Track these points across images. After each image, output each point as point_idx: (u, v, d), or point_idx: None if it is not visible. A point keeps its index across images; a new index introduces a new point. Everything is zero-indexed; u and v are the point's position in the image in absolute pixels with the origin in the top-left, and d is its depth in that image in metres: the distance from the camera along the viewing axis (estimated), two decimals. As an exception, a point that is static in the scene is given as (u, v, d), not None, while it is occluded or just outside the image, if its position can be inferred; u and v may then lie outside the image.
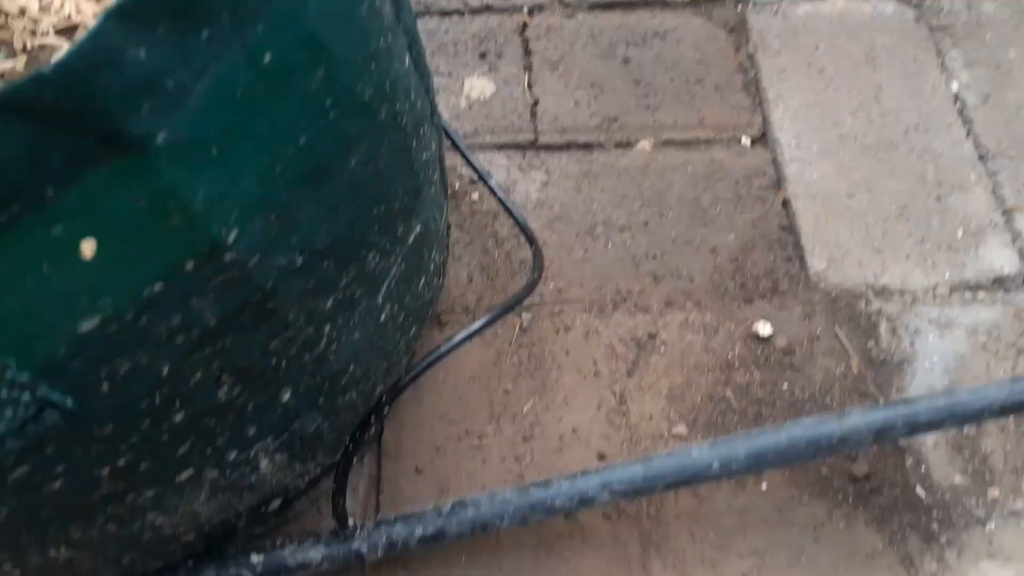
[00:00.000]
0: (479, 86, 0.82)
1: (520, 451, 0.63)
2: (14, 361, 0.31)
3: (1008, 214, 0.79)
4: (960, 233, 0.78)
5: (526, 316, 0.69)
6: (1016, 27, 0.94)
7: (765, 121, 0.84)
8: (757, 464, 0.58)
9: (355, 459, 0.53)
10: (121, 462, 0.39)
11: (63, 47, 0.43)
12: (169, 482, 0.43)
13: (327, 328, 0.47)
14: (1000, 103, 0.87)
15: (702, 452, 0.58)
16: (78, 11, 0.44)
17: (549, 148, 0.79)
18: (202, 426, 0.42)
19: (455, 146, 0.71)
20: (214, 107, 0.33)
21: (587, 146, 0.80)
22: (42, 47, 0.43)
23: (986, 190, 0.81)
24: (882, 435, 0.59)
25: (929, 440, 0.66)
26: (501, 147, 0.79)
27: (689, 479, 0.57)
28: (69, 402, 0.34)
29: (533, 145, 0.80)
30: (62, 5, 0.44)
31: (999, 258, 0.76)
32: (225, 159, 0.34)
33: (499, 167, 0.77)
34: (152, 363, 0.37)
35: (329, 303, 0.46)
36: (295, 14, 0.36)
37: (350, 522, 0.55)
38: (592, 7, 0.90)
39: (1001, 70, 0.90)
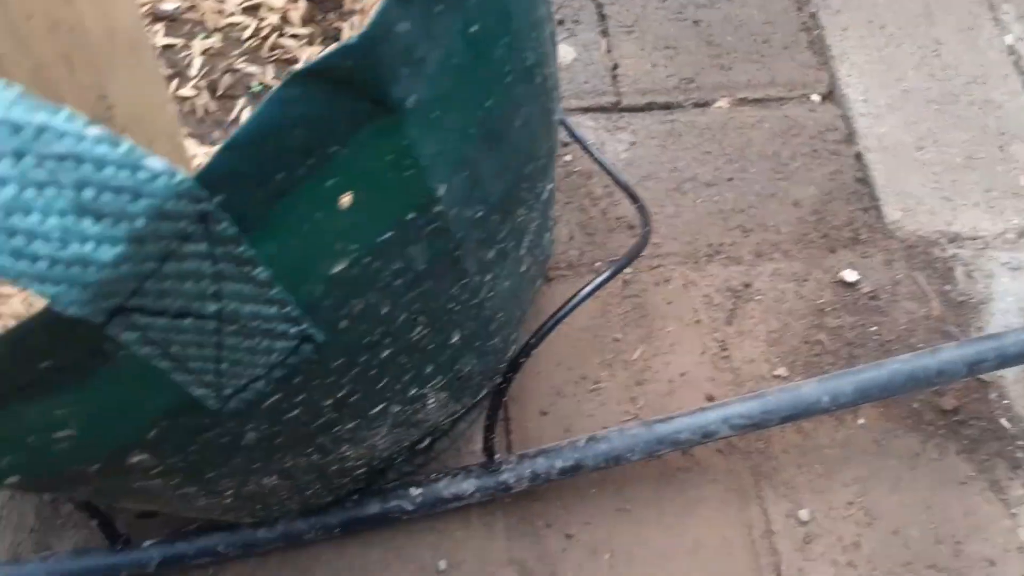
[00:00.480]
0: (560, 52, 0.87)
1: (634, 394, 0.69)
2: (291, 298, 0.36)
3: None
4: (1023, 180, 0.83)
5: (627, 270, 0.74)
6: (1066, -21, 0.98)
7: (832, 78, 0.89)
8: (862, 397, 0.63)
9: (497, 400, 0.59)
10: (341, 393, 0.45)
11: (250, 24, 0.48)
12: (365, 415, 0.49)
13: (488, 277, 0.52)
14: (1055, 54, 0.92)
15: (812, 388, 0.63)
16: (260, -8, 0.49)
17: (632, 109, 0.84)
18: (398, 363, 0.48)
19: (550, 111, 0.76)
20: (440, 74, 0.38)
21: (667, 106, 0.85)
22: (231, 25, 0.48)
23: (1047, 139, 0.86)
24: (975, 368, 0.65)
25: (1009, 375, 0.71)
26: (586, 110, 0.83)
27: (802, 413, 0.63)
28: (320, 336, 0.39)
29: (616, 107, 0.84)
30: (245, -13, 0.49)
31: (1064, 202, 0.81)
32: (441, 121, 0.39)
33: (587, 129, 0.82)
34: (377, 303, 0.42)
35: (492, 254, 0.51)
36: (496, -11, 0.41)
37: (496, 457, 0.61)
38: (660, -26, 0.94)
39: (1054, 22, 0.94)
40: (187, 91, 0.44)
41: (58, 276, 0.25)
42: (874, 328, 0.73)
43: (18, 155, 0.23)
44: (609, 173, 0.71)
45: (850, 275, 0.75)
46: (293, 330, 0.38)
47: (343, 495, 0.60)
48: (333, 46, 0.34)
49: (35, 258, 0.24)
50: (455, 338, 0.52)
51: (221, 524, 0.60)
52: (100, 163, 0.25)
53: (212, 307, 0.32)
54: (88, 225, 0.25)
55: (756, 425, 0.63)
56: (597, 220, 0.77)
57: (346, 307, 0.40)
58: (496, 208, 0.49)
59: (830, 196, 0.80)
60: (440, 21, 0.37)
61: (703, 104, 0.85)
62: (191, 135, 0.43)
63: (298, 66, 0.44)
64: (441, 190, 0.41)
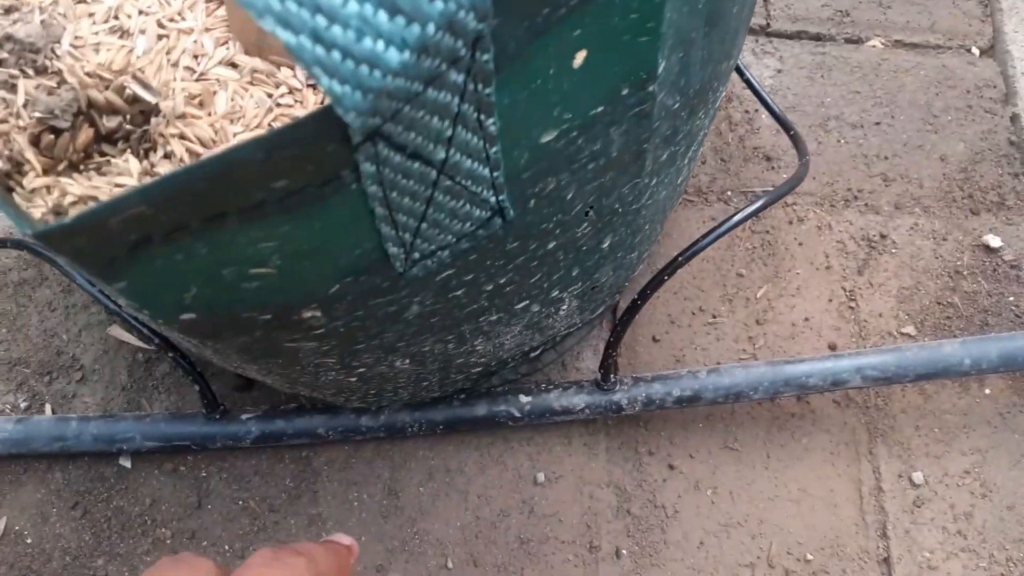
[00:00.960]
0: (708, -37, 0.81)
1: (753, 333, 0.66)
2: (503, 163, 0.33)
3: None
4: None
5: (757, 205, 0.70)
6: None
7: (996, 31, 0.83)
8: (1006, 364, 0.60)
9: (628, 316, 0.56)
10: (502, 280, 0.42)
11: None
12: (511, 309, 0.47)
13: (654, 181, 0.49)
14: None
15: (954, 348, 0.60)
16: None
17: (781, 35, 0.79)
18: (554, 259, 0.45)
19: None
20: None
21: (818, 37, 0.79)
22: None
23: None
24: None
25: None
26: (734, 29, 0.78)
27: (939, 373, 0.60)
28: (511, 212, 0.36)
29: (765, 30, 0.79)
30: None
31: None
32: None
33: (732, 49, 0.77)
34: (566, 185, 0.39)
35: (665, 155, 0.48)
36: None
37: (611, 377, 0.58)
38: None
39: None
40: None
41: (347, 73, 0.22)
42: (1012, 298, 0.69)
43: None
44: (761, 97, 0.66)
45: (993, 240, 0.71)
46: (493, 199, 0.35)
47: (451, 392, 0.58)
48: None
49: (332, 46, 0.21)
50: (606, 243, 0.49)
51: (322, 406, 0.59)
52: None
53: (440, 154, 0.29)
54: (383, 19, 0.22)
55: (889, 379, 0.60)
56: (733, 147, 0.73)
57: (540, 184, 0.37)
58: (689, 102, 0.45)
59: (980, 156, 0.75)
60: None
61: (856, 41, 0.80)
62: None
63: None
64: (661, 67, 0.38)
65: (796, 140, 0.63)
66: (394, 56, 0.22)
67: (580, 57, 0.33)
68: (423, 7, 0.22)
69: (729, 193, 0.71)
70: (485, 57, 0.27)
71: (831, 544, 0.60)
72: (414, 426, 0.58)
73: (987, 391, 0.66)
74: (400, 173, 0.29)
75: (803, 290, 0.68)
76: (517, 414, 0.58)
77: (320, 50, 0.21)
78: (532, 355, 0.60)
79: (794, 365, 0.59)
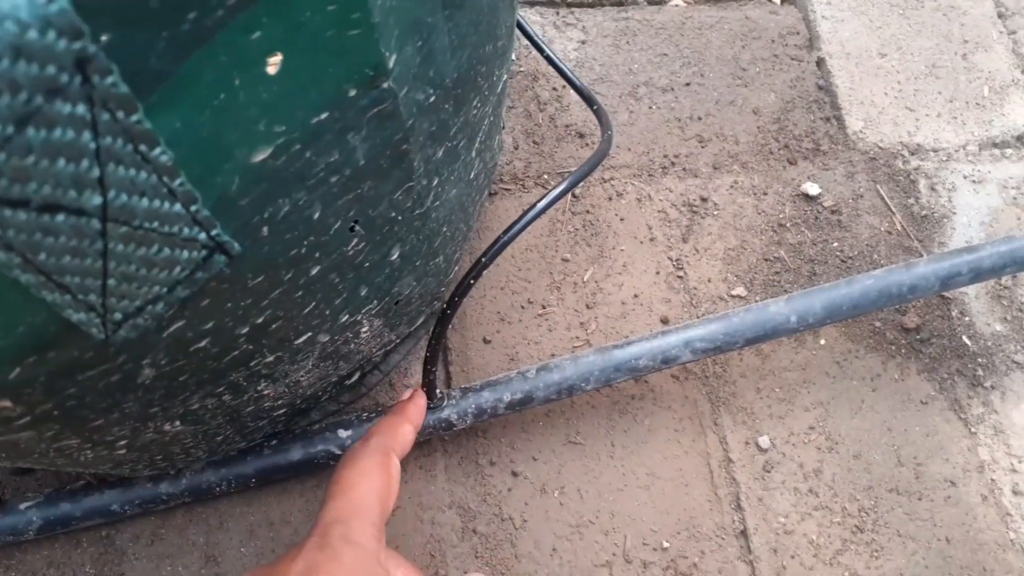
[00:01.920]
0: (497, -66, 0.78)
1: (584, 318, 0.64)
2: (200, 193, 0.29)
3: (1036, 70, 0.83)
4: (986, 91, 0.82)
5: (577, 189, 0.68)
6: None
7: (793, -23, 0.84)
8: (832, 315, 0.61)
9: (441, 329, 0.53)
10: (259, 320, 0.38)
11: None
12: (288, 346, 0.42)
13: (435, 181, 0.45)
14: (1013, -39, 0.90)
15: (779, 307, 0.60)
16: None
17: (581, 5, 0.77)
18: (328, 282, 0.41)
19: None
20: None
21: (620, 2, 0.78)
22: None
23: (1007, 49, 0.84)
24: (948, 283, 0.63)
25: (971, 291, 0.71)
26: (532, 3, 0.76)
27: (768, 334, 0.60)
28: (236, 246, 0.32)
29: (565, 1, 0.77)
30: None
31: (1022, 116, 0.80)
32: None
33: (534, 24, 0.75)
34: (307, 205, 0.35)
35: (441, 152, 0.44)
36: None
37: (437, 392, 0.55)
38: None
39: (1012, -73, 0.92)
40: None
41: None
42: (835, 244, 0.70)
43: None
44: (563, 73, 0.64)
45: (811, 188, 0.72)
46: (202, 236, 0.30)
47: (259, 440, 0.53)
48: None
49: None
50: (395, 255, 0.45)
51: (113, 479, 0.52)
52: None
53: (95, 199, 0.25)
54: None
55: (719, 348, 0.59)
56: (544, 128, 0.70)
57: (269, 209, 0.33)
58: (449, 93, 0.42)
59: (791, 104, 0.76)
60: None
61: (658, 2, 0.79)
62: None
63: None
64: (391, 60, 0.34)
65: (599, 114, 0.61)
66: (-69, 101, 0.18)
67: (275, 62, 0.29)
68: (-40, 33, 0.18)
69: (546, 176, 0.69)
70: (109, 80, 0.22)
71: (686, 526, 0.59)
72: (222, 484, 0.53)
73: (822, 341, 0.67)
74: (39, 231, 0.24)
75: (629, 266, 0.67)
76: (338, 451, 0.54)
77: None
78: (349, 382, 0.56)
79: (622, 349, 0.58)
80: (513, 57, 0.74)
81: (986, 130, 0.79)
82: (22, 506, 0.52)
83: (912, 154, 0.76)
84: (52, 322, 0.27)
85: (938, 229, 0.72)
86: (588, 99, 0.64)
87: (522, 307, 0.64)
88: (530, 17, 0.75)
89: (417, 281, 0.51)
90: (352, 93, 0.33)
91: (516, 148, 0.70)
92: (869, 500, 0.61)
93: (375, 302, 0.47)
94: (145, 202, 0.27)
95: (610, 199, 0.69)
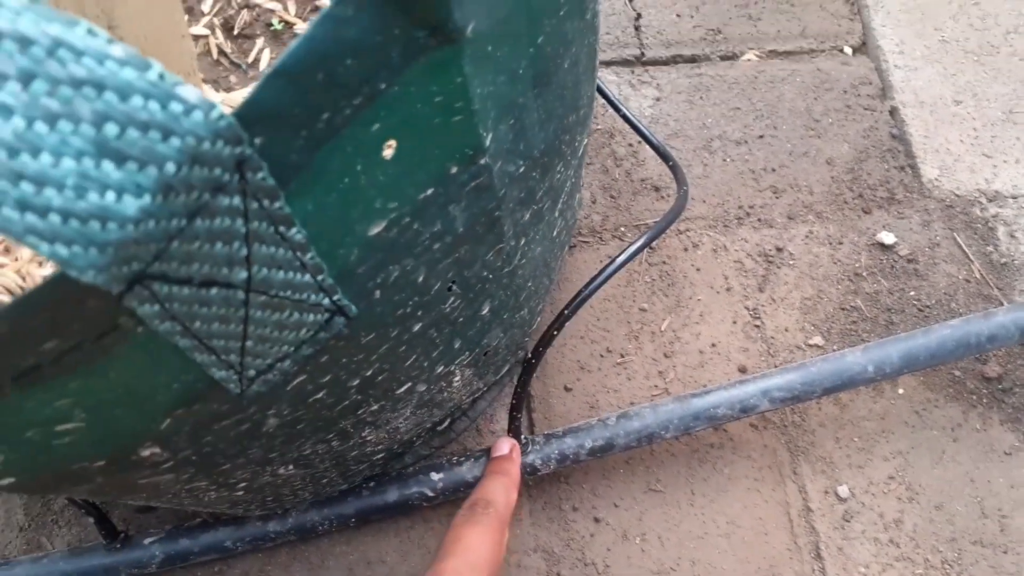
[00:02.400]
0: (574, 0, 0.82)
1: (663, 367, 0.66)
2: (326, 264, 0.32)
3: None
4: (1065, 137, 0.81)
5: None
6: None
7: (865, 28, 0.85)
8: (909, 365, 0.61)
9: (526, 377, 0.55)
10: (368, 372, 0.41)
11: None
12: (391, 396, 0.45)
13: (523, 241, 0.48)
14: (1092, 5, 0.89)
15: (856, 357, 0.60)
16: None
17: (656, 63, 0.80)
18: (428, 337, 0.44)
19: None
20: (499, 2, 0.34)
21: (693, 59, 0.81)
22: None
23: (1087, 93, 0.83)
24: (1028, 332, 0.63)
25: (1056, 341, 0.69)
26: (609, 64, 0.79)
27: (845, 384, 0.60)
28: (353, 308, 0.35)
29: (640, 60, 0.80)
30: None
31: (1107, 161, 0.79)
32: (495, 56, 0.35)
33: (610, 84, 0.78)
34: (413, 270, 0.38)
35: (528, 215, 0.47)
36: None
37: (522, 438, 0.57)
38: (677, -86, 0.89)
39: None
40: (199, 29, 0.39)
41: (73, 234, 0.20)
42: (912, 293, 0.70)
43: (26, 77, 0.19)
44: (639, 131, 0.67)
45: (887, 237, 0.72)
46: (326, 301, 0.34)
47: (358, 482, 0.56)
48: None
49: (46, 211, 0.20)
50: (485, 309, 0.48)
51: (227, 518, 0.56)
52: (125, 91, 0.20)
53: (242, 274, 0.28)
54: (109, 170, 0.21)
55: (797, 398, 0.60)
56: (621, 182, 0.73)
57: (381, 275, 0.36)
58: (537, 163, 0.45)
59: (865, 154, 0.77)
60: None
61: (731, 57, 0.81)
62: (204, 80, 0.38)
63: None
64: (488, 139, 0.37)
65: (675, 170, 0.64)
66: (131, 204, 0.21)
67: (389, 149, 0.32)
68: (157, 149, 0.21)
69: (623, 229, 0.72)
70: (260, 175, 0.26)
71: (767, 575, 0.59)
72: (324, 524, 0.56)
73: (900, 391, 0.66)
74: (197, 303, 0.27)
75: (706, 316, 0.68)
76: (431, 493, 0.57)
77: (31, 218, 0.20)
78: (440, 427, 0.59)
79: (701, 398, 0.59)
80: (596, 77, 0.77)
81: (1069, 176, 0.78)
82: (146, 541, 0.56)
83: (990, 201, 0.75)
84: (199, 379, 0.31)
85: (1019, 276, 0.71)
86: (663, 155, 0.66)
87: (601, 356, 0.66)
88: (607, 76, 0.78)
89: (504, 332, 0.54)
90: (454, 170, 0.36)
91: (594, 202, 0.72)
92: (952, 552, 0.60)
93: (467, 353, 0.50)
94: (281, 274, 0.30)
95: (686, 250, 0.71)
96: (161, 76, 0.21)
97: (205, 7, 0.41)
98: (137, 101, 0.21)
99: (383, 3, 0.27)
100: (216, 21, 0.40)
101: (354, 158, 0.31)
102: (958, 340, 0.61)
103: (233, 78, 0.39)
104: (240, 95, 0.39)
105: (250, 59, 0.40)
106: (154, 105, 0.21)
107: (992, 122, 0.80)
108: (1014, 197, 0.76)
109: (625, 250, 0.54)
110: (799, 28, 0.84)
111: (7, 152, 0.19)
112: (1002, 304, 0.71)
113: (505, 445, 0.55)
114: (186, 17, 0.39)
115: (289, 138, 0.27)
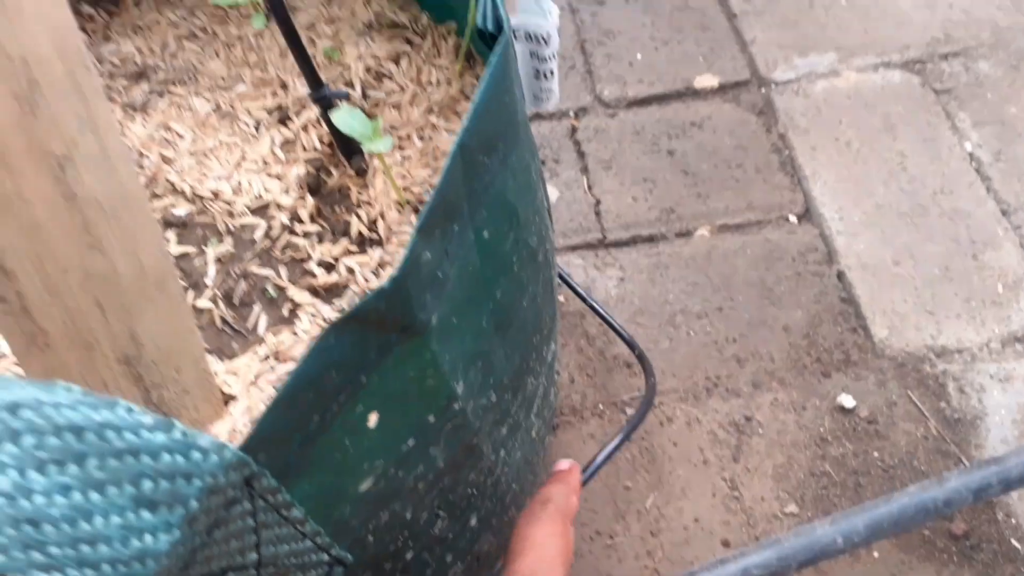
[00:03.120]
0: (541, 192, 0.90)
1: (650, 546, 0.69)
2: (322, 527, 0.36)
3: (1047, 268, 0.89)
4: (1000, 288, 0.87)
5: (630, 411, 0.75)
6: (1012, 84, 1.05)
7: (807, 197, 0.93)
8: (875, 534, 0.64)
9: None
10: (365, 601, 0.44)
11: (260, 225, 0.49)
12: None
13: (502, 453, 0.53)
14: (1012, 158, 0.97)
15: (825, 529, 0.64)
16: (266, 190, 0.51)
17: (617, 244, 0.87)
18: (421, 560, 0.47)
19: (538, 255, 0.79)
20: (459, 285, 0.40)
21: (651, 239, 0.88)
22: (242, 227, 0.49)
23: (1014, 244, 0.90)
24: (981, 494, 0.66)
25: (1015, 494, 0.73)
26: (574, 248, 0.86)
27: (817, 556, 0.63)
28: (349, 557, 0.39)
29: (602, 243, 0.87)
30: (251, 185, 0.51)
31: (1043, 309, 0.85)
32: (459, 325, 0.41)
33: (576, 267, 0.85)
34: (401, 510, 0.42)
35: (505, 429, 0.52)
36: (503, 194, 0.43)
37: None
38: (630, 104, 0.99)
39: (1007, 127, 1.01)
40: (203, 302, 0.45)
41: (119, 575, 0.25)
42: (876, 454, 0.74)
43: (81, 459, 0.23)
44: (607, 322, 0.73)
45: (847, 400, 0.77)
46: (324, 556, 0.38)
47: None
48: (368, 292, 0.35)
49: (99, 563, 0.24)
50: (473, 521, 0.52)
51: None
52: (156, 452, 0.25)
53: (252, 556, 0.32)
54: (146, 517, 0.25)
55: (775, 574, 0.63)
56: (595, 361, 0.79)
57: (372, 521, 0.40)
58: (507, 387, 0.50)
59: (818, 319, 0.83)
60: (457, 239, 0.39)
61: (685, 234, 0.89)
62: (210, 351, 0.43)
63: (333, 313, 0.46)
64: (459, 388, 0.42)
65: (642, 360, 0.69)
66: (163, 540, 0.26)
67: (373, 419, 0.37)
68: (182, 491, 0.26)
69: (601, 406, 0.76)
70: (264, 482, 0.31)
71: None
72: None
73: (876, 554, 0.70)
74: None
75: (687, 491, 0.72)
76: None
77: (89, 571, 0.24)
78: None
79: (685, 579, 0.62)
80: (560, 299, 0.83)
81: (1006, 326, 0.84)
82: None
83: (938, 356, 0.81)
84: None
85: (972, 431, 0.76)
86: (630, 344, 0.72)
87: (591, 538, 0.69)
88: (573, 260, 0.85)
89: (495, 536, 0.57)
90: (431, 420, 0.41)
91: (572, 382, 0.78)
92: None
93: (459, 564, 0.53)
94: (285, 547, 0.34)
95: (662, 424, 0.75)
96: (184, 433, 0.26)
97: (208, 279, 0.47)
98: (166, 457, 0.26)
99: (360, 328, 0.33)
100: (218, 292, 0.46)
101: (342, 438, 0.36)
102: (916, 507, 0.64)
103: (235, 344, 0.45)
104: (242, 362, 0.44)
105: (249, 325, 0.45)
106: (179, 458, 0.26)
107: (931, 280, 0.87)
108: (959, 351, 0.81)
109: (602, 450, 0.59)
110: (745, 202, 0.92)
111: (69, 523, 0.24)
112: (960, 460, 0.75)
113: (565, 463, 0.52)
114: (189, 295, 0.45)
115: (286, 445, 0.32)
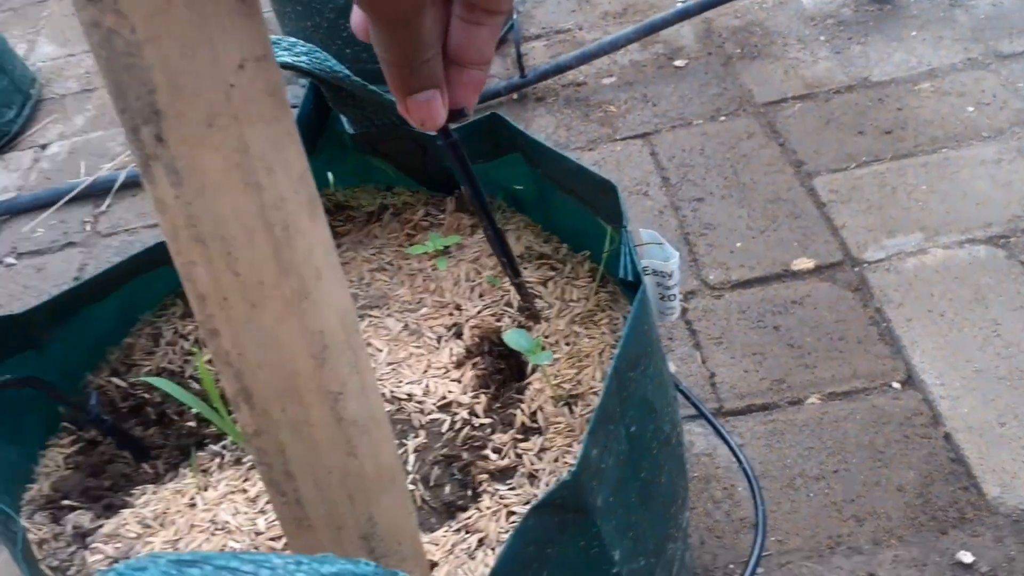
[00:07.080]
0: (661, 368, 0.99)
1: None
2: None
3: None
4: (1111, 441, 0.87)
5: (760, 572, 0.79)
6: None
7: (908, 365, 0.97)
8: None
9: None
10: None
11: (446, 420, 0.61)
12: None
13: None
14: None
15: None
16: (449, 391, 0.62)
17: (734, 413, 0.94)
18: None
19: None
20: (614, 470, 0.49)
21: (765, 407, 0.94)
22: (432, 421, 0.60)
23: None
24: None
25: None
26: (695, 418, 0.93)
27: None
28: None
29: (720, 412, 0.94)
30: (436, 388, 0.63)
31: None
32: (614, 503, 0.49)
33: (696, 436, 0.91)
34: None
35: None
36: (645, 396, 0.52)
37: None
38: (734, 286, 1.08)
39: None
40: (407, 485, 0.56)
41: None
42: (1004, 611, 0.74)
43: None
44: (748, 477, 0.78)
45: (966, 556, 0.78)
46: None
47: None
48: (556, 483, 0.45)
49: None
50: None
51: None
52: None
53: None
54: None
55: None
56: (723, 523, 0.83)
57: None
58: (653, 552, 0.57)
59: (930, 478, 0.85)
60: (613, 436, 0.48)
61: (796, 402, 0.94)
62: (418, 527, 0.54)
63: (526, 506, 0.55)
64: (616, 555, 0.50)
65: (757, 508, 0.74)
66: None
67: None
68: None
69: (732, 566, 0.80)
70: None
71: None
72: None
73: None
74: None
75: (817, 645, 0.74)
76: None
77: None
78: None
79: None
80: (687, 467, 0.90)
81: (1126, 482, 0.83)
82: None
83: (1056, 513, 0.81)
84: None
85: (1103, 587, 0.75)
86: (757, 499, 0.77)
87: None
88: (694, 429, 0.92)
89: None
90: (597, 582, 0.49)
91: (703, 543, 0.82)
92: None
93: None
94: None
95: (788, 583, 0.79)
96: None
97: (409, 467, 0.57)
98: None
99: (550, 511, 0.42)
100: (417, 477, 0.57)
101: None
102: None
103: (433, 519, 0.55)
104: (439, 534, 0.54)
105: (443, 502, 0.56)
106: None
107: (1040, 438, 0.88)
108: (1077, 508, 0.81)
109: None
110: (851, 371, 0.97)
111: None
112: (1094, 615, 0.74)
113: None
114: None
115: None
